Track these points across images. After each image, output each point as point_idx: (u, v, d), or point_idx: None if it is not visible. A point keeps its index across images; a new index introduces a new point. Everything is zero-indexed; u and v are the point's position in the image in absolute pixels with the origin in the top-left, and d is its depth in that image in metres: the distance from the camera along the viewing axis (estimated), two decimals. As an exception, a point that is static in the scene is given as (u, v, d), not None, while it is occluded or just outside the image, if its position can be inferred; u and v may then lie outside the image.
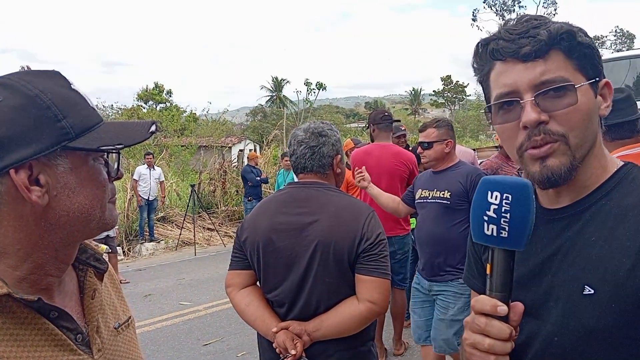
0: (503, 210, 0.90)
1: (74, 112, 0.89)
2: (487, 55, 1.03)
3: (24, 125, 0.83)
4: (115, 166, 0.99)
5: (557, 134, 0.97)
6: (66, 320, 0.92)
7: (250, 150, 28.74)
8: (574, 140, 0.98)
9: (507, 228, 0.90)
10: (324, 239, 2.05)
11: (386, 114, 5.25)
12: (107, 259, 1.11)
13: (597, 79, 1.01)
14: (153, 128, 0.96)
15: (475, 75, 1.10)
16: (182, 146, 22.94)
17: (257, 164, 10.92)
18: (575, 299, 0.96)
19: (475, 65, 1.09)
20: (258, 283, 2.23)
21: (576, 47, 0.98)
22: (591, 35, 1.05)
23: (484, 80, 1.07)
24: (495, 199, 0.91)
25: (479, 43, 1.05)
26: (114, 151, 0.94)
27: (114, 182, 1.00)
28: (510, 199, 0.90)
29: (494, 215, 0.91)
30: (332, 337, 2.06)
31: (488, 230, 0.92)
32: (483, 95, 1.12)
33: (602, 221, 0.98)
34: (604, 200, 1.00)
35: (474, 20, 18.79)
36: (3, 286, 0.83)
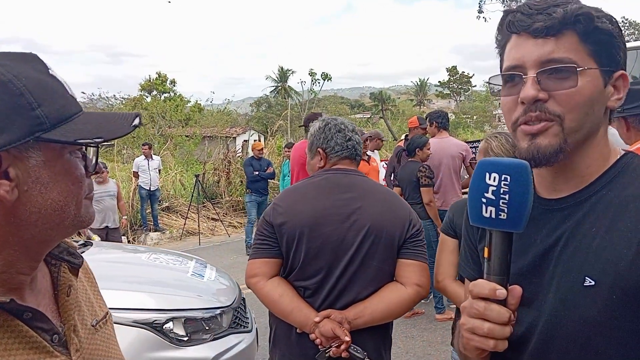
0: (502, 191, 0.90)
1: (50, 101, 0.81)
2: (505, 27, 1.03)
3: None
4: (94, 160, 0.92)
5: (553, 113, 0.97)
6: (41, 321, 0.86)
7: (255, 140, 28.73)
8: (569, 123, 0.97)
9: (506, 209, 0.90)
10: (376, 223, 2.06)
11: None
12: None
13: (612, 68, 0.99)
14: (136, 121, 0.88)
15: (496, 47, 1.10)
16: (186, 136, 22.91)
17: (261, 155, 10.45)
18: (576, 290, 0.95)
19: (497, 37, 1.08)
20: (282, 272, 2.15)
21: (592, 31, 0.96)
22: None
23: (501, 52, 1.07)
24: (494, 181, 0.90)
25: (502, 14, 1.05)
26: (92, 145, 0.87)
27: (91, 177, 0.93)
28: (509, 179, 0.89)
29: (493, 197, 0.91)
30: (374, 323, 2.05)
31: (487, 212, 0.91)
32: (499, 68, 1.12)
33: (603, 212, 0.97)
34: (604, 191, 1.00)
35: (480, 11, 18.65)
36: None
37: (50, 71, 0.85)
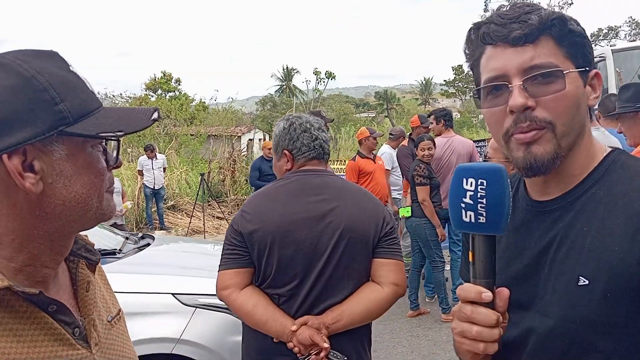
0: (479, 195, 0.92)
1: (72, 96, 0.83)
2: (478, 39, 1.03)
3: (18, 107, 0.78)
4: (114, 154, 0.94)
5: (544, 120, 0.97)
6: (64, 314, 0.88)
7: (259, 139, 28.75)
8: (560, 128, 0.97)
9: (484, 213, 0.92)
10: (350, 224, 2.02)
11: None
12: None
13: (587, 68, 1.01)
14: (155, 115, 0.91)
15: (466, 62, 1.10)
16: (191, 135, 22.96)
17: (272, 155, 10.01)
18: (572, 291, 0.95)
19: (466, 51, 1.08)
20: (255, 280, 2.07)
21: (567, 34, 0.98)
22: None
23: (475, 66, 1.07)
24: (471, 186, 0.92)
25: (470, 28, 1.05)
26: (113, 138, 0.88)
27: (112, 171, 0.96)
28: (485, 184, 0.91)
29: (471, 202, 0.92)
30: (353, 326, 2.01)
31: (466, 217, 0.93)
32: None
33: (593, 210, 0.98)
34: (593, 189, 1.00)
35: (485, 10, 18.56)
36: (3, 279, 0.80)
37: (70, 67, 0.88)
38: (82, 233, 0.99)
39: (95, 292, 1.00)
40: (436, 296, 6.01)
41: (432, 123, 6.43)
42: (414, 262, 6.09)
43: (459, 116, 42.45)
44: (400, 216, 6.16)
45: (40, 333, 0.84)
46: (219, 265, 2.07)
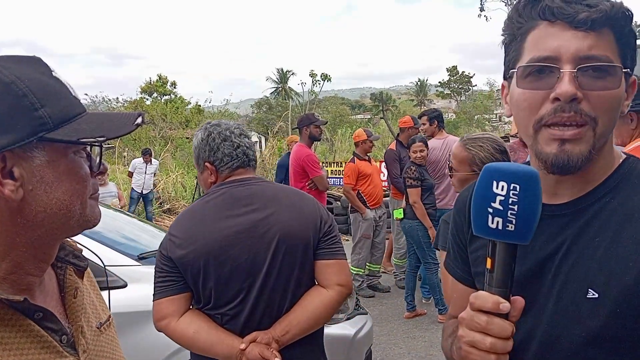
0: (510, 201, 0.84)
1: (53, 101, 0.82)
2: (533, 12, 0.93)
3: None
4: (98, 160, 0.92)
5: (589, 115, 0.90)
6: (51, 321, 0.88)
7: (255, 142, 28.68)
8: (601, 127, 0.91)
9: (514, 221, 0.84)
10: (286, 231, 1.93)
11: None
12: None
13: (631, 72, 0.95)
14: (139, 120, 0.89)
15: (504, 32, 1.00)
16: (187, 138, 22.93)
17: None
18: (579, 302, 0.92)
19: (510, 21, 0.98)
20: (194, 303, 1.98)
21: (627, 32, 0.93)
22: None
23: (515, 40, 0.97)
24: (502, 190, 0.84)
25: None
26: (94, 144, 0.87)
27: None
28: (518, 189, 0.83)
29: (500, 207, 0.84)
30: (303, 334, 1.94)
31: (493, 223, 0.85)
32: (504, 56, 1.01)
33: (606, 220, 0.93)
34: (607, 198, 0.95)
35: (481, 10, 18.62)
36: None
37: (53, 73, 0.87)
38: (69, 239, 0.98)
39: (83, 299, 0.99)
40: (432, 297, 5.99)
41: (424, 124, 6.33)
42: (410, 263, 6.10)
43: (454, 116, 42.50)
44: (394, 218, 6.14)
45: (27, 341, 0.83)
46: (153, 295, 1.96)
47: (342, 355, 3.19)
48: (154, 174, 12.26)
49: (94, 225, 0.92)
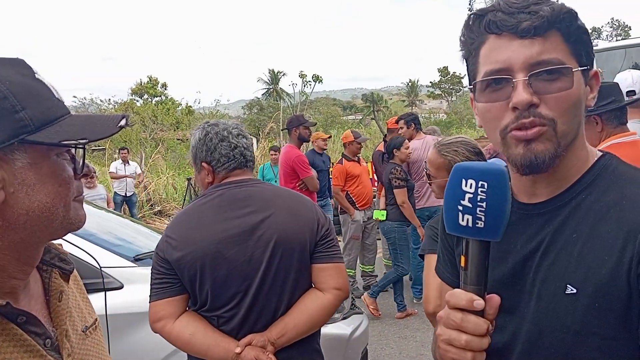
0: (479, 199, 0.86)
1: (34, 104, 0.82)
2: (480, 27, 0.96)
3: None
4: (81, 162, 0.92)
5: (547, 118, 0.92)
6: (34, 325, 0.87)
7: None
8: (561, 126, 0.93)
9: (483, 218, 0.86)
10: (283, 234, 1.93)
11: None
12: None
13: (589, 67, 0.97)
14: (123, 122, 0.89)
15: (461, 50, 1.03)
16: (178, 139, 22.87)
17: (326, 148, 7.43)
18: (558, 299, 0.92)
19: (463, 38, 1.01)
20: (191, 304, 1.98)
21: (575, 30, 0.94)
22: (588, 26, 1.01)
23: (471, 55, 1.00)
24: (470, 187, 0.86)
25: (472, 14, 0.98)
26: (77, 146, 0.87)
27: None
28: (486, 186, 0.85)
29: (469, 205, 0.86)
30: (299, 337, 1.95)
31: (463, 220, 0.87)
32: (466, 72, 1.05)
33: (583, 217, 0.94)
34: (583, 194, 0.97)
35: (470, 10, 18.69)
36: None
37: (36, 75, 0.86)
38: (55, 242, 0.98)
39: (68, 302, 0.99)
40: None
41: (402, 128, 6.45)
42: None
43: (445, 117, 42.65)
44: (374, 218, 6.23)
45: (10, 345, 0.83)
46: (149, 297, 1.95)
47: (339, 354, 3.22)
48: (135, 173, 12.05)
49: (78, 228, 0.92)
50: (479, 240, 0.88)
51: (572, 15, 0.94)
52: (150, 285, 1.96)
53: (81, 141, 0.83)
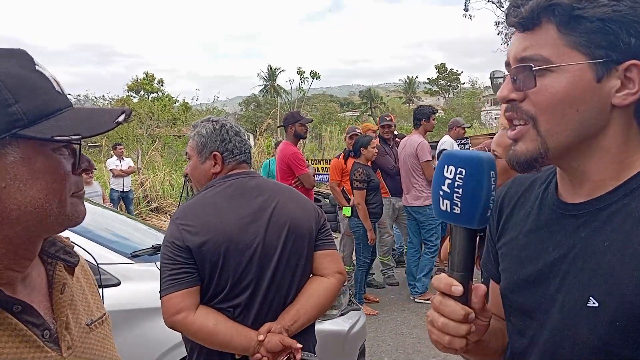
0: (456, 185, 0.88)
1: (29, 97, 0.80)
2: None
3: None
4: (78, 158, 0.89)
5: (527, 114, 0.90)
6: (31, 315, 0.86)
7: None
8: (544, 125, 0.88)
9: (459, 204, 0.88)
10: (294, 220, 2.02)
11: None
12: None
13: (612, 59, 0.84)
14: (121, 118, 0.86)
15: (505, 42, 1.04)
16: (175, 136, 22.81)
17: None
18: (579, 311, 0.87)
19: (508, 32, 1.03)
20: (202, 292, 1.93)
21: (573, 20, 0.84)
22: None
23: None
24: (450, 173, 0.88)
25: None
26: (70, 142, 0.84)
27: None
28: (463, 173, 0.87)
29: (447, 190, 0.89)
30: (309, 323, 2.02)
31: (443, 205, 0.90)
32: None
33: (619, 224, 0.86)
34: (625, 200, 0.87)
35: (465, 9, 18.66)
36: None
37: (36, 67, 0.84)
38: (62, 234, 0.97)
39: (72, 295, 0.98)
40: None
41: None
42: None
43: (442, 114, 42.65)
44: (343, 215, 6.29)
45: (4, 334, 0.82)
46: (162, 291, 1.88)
47: (337, 350, 3.24)
48: (129, 167, 11.96)
49: (77, 224, 0.90)
50: (462, 227, 0.90)
51: (561, 4, 0.84)
52: (163, 278, 1.90)
53: (74, 137, 0.81)
